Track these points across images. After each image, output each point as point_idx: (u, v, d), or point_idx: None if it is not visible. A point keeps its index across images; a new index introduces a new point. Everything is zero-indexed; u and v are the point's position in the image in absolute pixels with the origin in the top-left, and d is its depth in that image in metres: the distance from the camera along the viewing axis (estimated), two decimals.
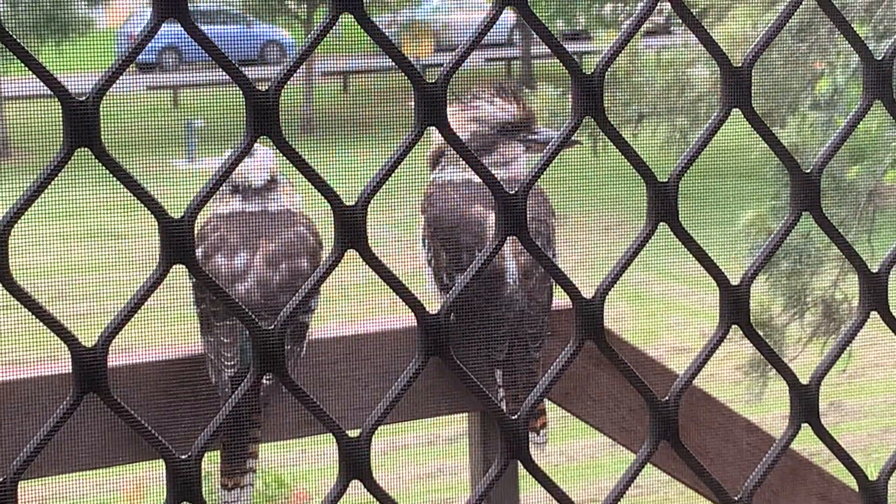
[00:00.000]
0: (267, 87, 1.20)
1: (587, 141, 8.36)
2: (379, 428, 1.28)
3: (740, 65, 1.32)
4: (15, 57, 1.13)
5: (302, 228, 2.65)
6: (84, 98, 1.14)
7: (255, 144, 2.69)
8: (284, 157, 1.23)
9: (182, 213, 1.18)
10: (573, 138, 2.69)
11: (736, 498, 1.36)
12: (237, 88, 1.20)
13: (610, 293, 1.31)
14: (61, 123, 1.14)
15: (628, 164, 1.33)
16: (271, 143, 1.22)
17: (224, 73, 1.20)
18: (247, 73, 1.21)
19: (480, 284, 2.64)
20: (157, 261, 1.17)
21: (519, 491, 2.81)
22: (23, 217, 1.14)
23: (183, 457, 1.19)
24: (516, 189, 1.27)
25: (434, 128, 1.26)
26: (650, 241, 1.33)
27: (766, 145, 1.37)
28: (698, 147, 1.31)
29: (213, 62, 1.19)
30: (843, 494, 2.83)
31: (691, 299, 11.60)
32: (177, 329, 2.61)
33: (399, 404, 1.27)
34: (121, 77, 1.15)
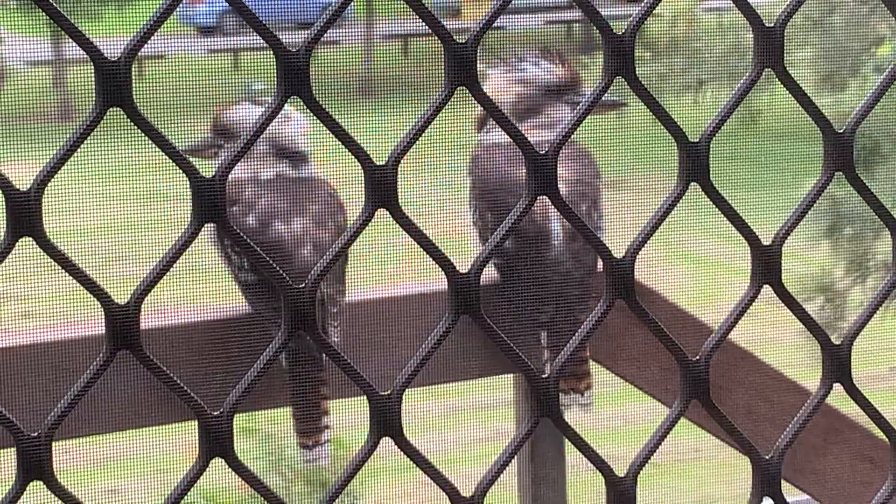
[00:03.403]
0: (298, 48, 1.21)
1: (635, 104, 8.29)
2: (419, 390, 1.28)
3: (772, 25, 1.32)
4: (51, 18, 1.14)
5: (327, 187, 2.70)
6: (116, 59, 1.16)
7: (293, 111, 2.70)
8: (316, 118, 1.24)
9: (213, 172, 1.19)
10: (620, 101, 2.69)
11: (767, 457, 1.36)
12: None
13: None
14: (94, 84, 1.15)
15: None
16: (302, 104, 1.22)
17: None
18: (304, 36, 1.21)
19: (525, 245, 2.65)
20: (189, 219, 1.19)
21: (565, 455, 2.82)
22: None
23: (215, 413, 1.20)
24: (546, 149, 1.28)
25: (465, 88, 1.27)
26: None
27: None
28: (729, 108, 1.31)
29: (270, 25, 1.20)
30: (885, 454, 2.81)
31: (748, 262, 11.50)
32: (212, 288, 2.63)
33: (433, 365, 1.28)
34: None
